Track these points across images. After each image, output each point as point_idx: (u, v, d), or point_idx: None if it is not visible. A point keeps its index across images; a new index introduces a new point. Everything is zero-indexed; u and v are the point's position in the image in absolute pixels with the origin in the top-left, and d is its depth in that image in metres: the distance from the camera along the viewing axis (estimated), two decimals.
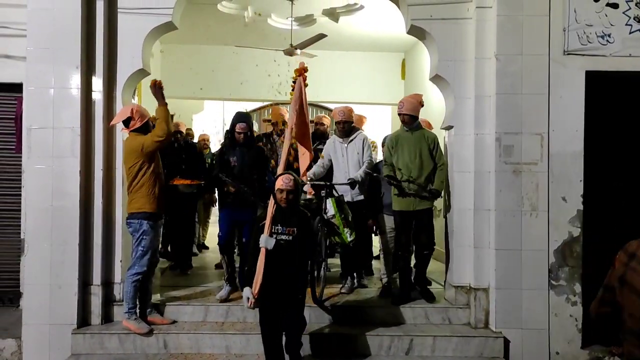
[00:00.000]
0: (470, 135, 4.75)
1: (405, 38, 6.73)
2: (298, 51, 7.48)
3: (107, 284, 4.70)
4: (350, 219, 4.82)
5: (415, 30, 4.89)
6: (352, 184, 5.00)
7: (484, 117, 4.69)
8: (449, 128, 4.98)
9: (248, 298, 3.74)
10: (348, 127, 5.22)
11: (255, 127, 9.15)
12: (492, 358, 4.45)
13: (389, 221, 5.24)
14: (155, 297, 4.90)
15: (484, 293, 4.67)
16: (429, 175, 4.84)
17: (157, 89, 4.54)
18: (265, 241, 3.77)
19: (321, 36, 7.09)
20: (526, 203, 4.57)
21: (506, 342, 4.53)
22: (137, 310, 4.51)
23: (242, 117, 5.15)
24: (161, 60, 9.10)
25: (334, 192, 5.02)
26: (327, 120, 6.20)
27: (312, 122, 6.26)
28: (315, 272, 4.78)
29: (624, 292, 2.15)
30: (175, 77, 9.16)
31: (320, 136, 5.98)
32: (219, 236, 5.11)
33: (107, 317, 4.67)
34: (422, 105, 5.02)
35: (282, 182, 3.80)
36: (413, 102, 4.92)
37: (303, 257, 3.91)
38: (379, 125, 10.36)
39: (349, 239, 4.77)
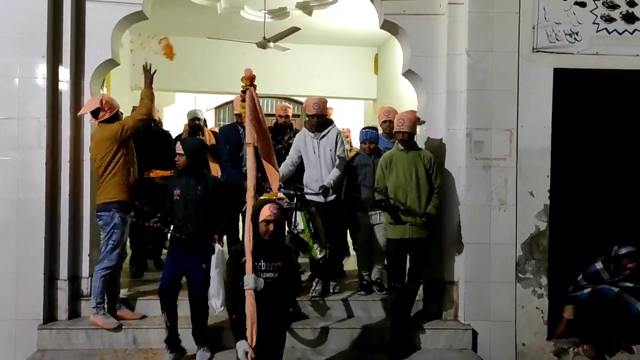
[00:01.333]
0: (442, 130, 4.80)
1: (378, 33, 6.77)
2: (271, 44, 7.44)
3: (75, 278, 4.61)
4: (320, 233, 4.48)
5: (388, 25, 4.91)
6: (324, 192, 4.59)
7: (455, 112, 4.74)
8: (421, 123, 5.01)
9: (246, 353, 3.05)
10: (322, 120, 4.80)
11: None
12: (461, 350, 4.53)
13: (364, 218, 4.93)
14: (125, 292, 4.83)
15: (453, 286, 4.74)
16: (428, 197, 4.43)
17: (148, 71, 4.45)
18: (255, 281, 3.13)
19: (294, 29, 7.07)
20: (495, 198, 4.65)
21: (474, 334, 4.61)
22: (105, 305, 4.43)
23: (180, 140, 4.32)
24: (131, 50, 8.94)
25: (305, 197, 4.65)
26: (290, 111, 5.96)
27: (274, 115, 6.04)
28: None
29: None
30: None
31: (283, 129, 5.72)
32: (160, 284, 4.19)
33: (74, 312, 4.58)
34: (419, 123, 4.73)
35: (269, 212, 3.22)
36: (412, 119, 4.55)
37: (290, 294, 3.53)
38: (352, 119, 10.40)
39: (318, 256, 4.45)
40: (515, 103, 4.66)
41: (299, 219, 4.47)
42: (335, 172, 4.72)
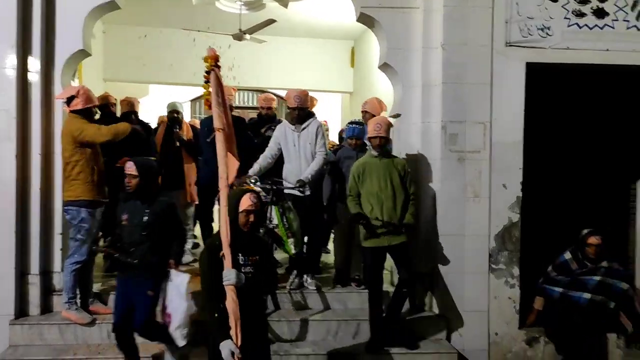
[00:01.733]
0: (418, 123, 4.84)
1: (354, 26, 6.77)
2: (247, 36, 7.39)
3: (46, 273, 4.53)
4: (295, 228, 4.44)
5: (364, 18, 4.91)
6: (301, 186, 4.53)
7: (430, 105, 4.78)
8: (397, 116, 5.05)
9: (233, 353, 2.87)
10: (303, 113, 4.73)
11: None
12: (435, 340, 4.59)
13: (345, 210, 4.72)
14: (98, 286, 4.77)
15: (428, 278, 4.80)
16: (403, 205, 4.33)
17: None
18: (236, 277, 2.94)
19: (270, 21, 7.03)
20: (469, 190, 4.71)
21: (449, 324, 4.68)
22: (78, 300, 4.37)
23: (132, 159, 3.86)
24: (104, 41, 8.77)
25: (281, 191, 4.63)
26: (274, 102, 5.92)
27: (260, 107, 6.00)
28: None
29: None
30: (118, 59, 8.88)
31: (268, 120, 5.67)
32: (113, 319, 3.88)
33: (46, 308, 4.51)
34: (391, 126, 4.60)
35: (250, 201, 3.05)
36: (388, 123, 4.45)
37: (268, 289, 3.45)
38: (329, 112, 10.40)
39: (292, 251, 4.43)
40: (489, 96, 4.72)
41: (274, 214, 4.41)
42: (314, 166, 4.66)
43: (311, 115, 4.87)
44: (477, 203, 4.72)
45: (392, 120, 5.07)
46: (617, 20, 4.83)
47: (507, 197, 4.76)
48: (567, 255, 4.72)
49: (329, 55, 9.79)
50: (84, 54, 4.67)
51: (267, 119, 5.72)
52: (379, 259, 4.37)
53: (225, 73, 9.06)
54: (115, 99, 5.75)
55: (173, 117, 5.82)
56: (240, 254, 3.06)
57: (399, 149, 4.98)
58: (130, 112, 5.69)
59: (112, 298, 4.57)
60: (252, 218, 3.07)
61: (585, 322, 4.63)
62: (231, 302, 2.93)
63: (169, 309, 3.74)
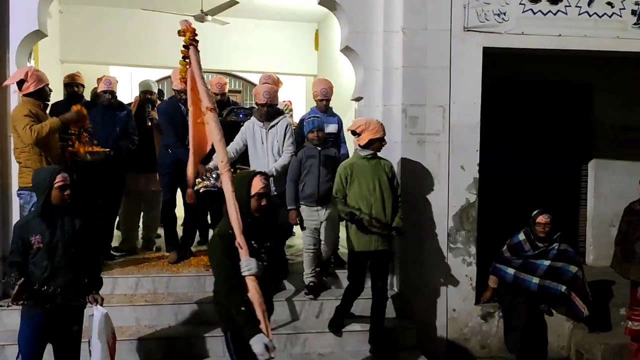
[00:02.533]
0: (379, 106, 4.92)
1: (318, 9, 6.74)
2: (209, 17, 7.31)
3: (4, 258, 4.44)
4: None
5: (326, 2, 4.95)
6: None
7: (391, 89, 4.87)
8: (358, 99, 5.12)
9: (267, 347, 2.64)
10: (272, 110, 4.64)
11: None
12: (396, 318, 4.73)
13: (309, 214, 4.58)
14: None
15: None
16: (392, 207, 4.25)
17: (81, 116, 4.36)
18: (257, 266, 2.75)
19: (233, 3, 6.97)
20: (429, 172, 4.84)
21: (409, 302, 4.83)
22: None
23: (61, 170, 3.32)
24: (60, 21, 8.52)
25: None
26: (226, 86, 5.80)
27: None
28: None
29: None
30: (76, 40, 8.64)
31: (221, 106, 5.39)
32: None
33: (5, 293, 4.45)
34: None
35: (261, 184, 2.87)
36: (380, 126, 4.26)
37: (284, 275, 3.31)
38: (293, 96, 10.39)
39: None
40: (448, 80, 4.84)
41: None
42: (281, 162, 4.59)
43: (280, 112, 4.80)
44: (437, 184, 4.86)
45: (354, 102, 5.17)
46: (569, 6, 4.99)
47: (465, 178, 4.91)
48: (521, 236, 4.87)
49: (292, 37, 9.75)
50: (39, 34, 4.56)
51: (220, 106, 5.38)
52: (364, 264, 4.28)
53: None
54: (83, 81, 5.47)
55: (147, 98, 5.63)
56: (252, 241, 2.86)
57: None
58: (75, 83, 5.39)
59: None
60: (264, 202, 2.89)
61: (534, 307, 4.80)
62: (255, 294, 2.73)
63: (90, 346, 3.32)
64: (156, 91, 5.86)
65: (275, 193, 4.58)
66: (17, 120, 4.10)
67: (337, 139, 5.14)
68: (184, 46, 3.20)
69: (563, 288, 4.71)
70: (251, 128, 4.67)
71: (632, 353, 4.68)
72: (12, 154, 4.41)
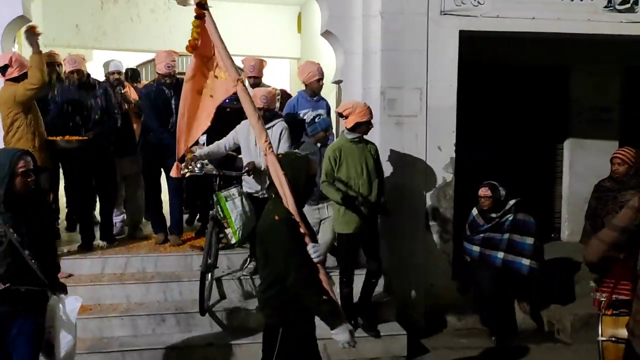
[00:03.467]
0: (359, 89, 5.06)
1: None
2: (192, 1, 7.32)
3: None
4: (232, 218, 4.21)
5: None
6: (250, 170, 4.32)
7: (370, 72, 5.01)
8: (339, 82, 5.25)
9: (352, 333, 2.65)
10: (269, 114, 4.49)
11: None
12: (378, 292, 4.90)
13: (308, 212, 4.22)
14: None
15: None
16: (378, 190, 4.34)
17: (32, 34, 4.22)
18: (324, 251, 2.94)
19: None
20: (407, 153, 5.01)
21: (390, 279, 5.00)
22: None
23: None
24: (42, 6, 8.48)
25: (235, 185, 4.42)
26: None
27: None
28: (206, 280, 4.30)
29: None
30: (58, 24, 8.62)
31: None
32: None
33: None
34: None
35: (315, 163, 2.88)
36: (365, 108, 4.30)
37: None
38: (278, 79, 10.44)
39: (231, 242, 4.29)
40: (425, 63, 4.98)
41: (220, 203, 4.23)
42: None
43: (277, 116, 4.68)
44: (414, 164, 5.03)
45: (335, 86, 5.30)
46: None
47: (442, 158, 5.09)
48: (474, 212, 4.98)
49: (275, 20, 9.76)
50: (24, 19, 4.62)
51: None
52: (357, 245, 4.37)
53: (167, 37, 8.97)
54: (62, 60, 5.29)
55: (116, 79, 5.47)
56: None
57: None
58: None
59: (63, 263, 4.62)
60: (314, 183, 2.79)
61: (496, 286, 4.85)
62: (326, 280, 2.65)
63: (54, 339, 3.00)
64: (124, 71, 5.67)
65: (265, 195, 4.40)
66: (13, 93, 4.20)
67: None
68: (198, 4, 3.08)
69: (528, 262, 4.74)
70: (247, 129, 4.44)
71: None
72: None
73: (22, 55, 4.44)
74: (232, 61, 3.07)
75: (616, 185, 4.68)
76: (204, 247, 4.43)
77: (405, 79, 4.95)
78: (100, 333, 4.25)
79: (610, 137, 6.60)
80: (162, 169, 5.15)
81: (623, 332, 2.41)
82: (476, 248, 4.91)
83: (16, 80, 4.29)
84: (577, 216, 6.52)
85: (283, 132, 4.50)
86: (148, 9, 8.79)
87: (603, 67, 6.41)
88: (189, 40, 3.19)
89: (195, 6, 3.11)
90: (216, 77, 3.27)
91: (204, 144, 4.89)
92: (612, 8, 5.15)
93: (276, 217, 2.69)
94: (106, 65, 5.70)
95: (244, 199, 4.33)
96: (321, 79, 4.96)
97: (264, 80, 5.61)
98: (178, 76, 5.03)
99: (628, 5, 5.16)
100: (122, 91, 5.44)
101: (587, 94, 6.53)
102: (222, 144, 4.55)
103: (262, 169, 4.31)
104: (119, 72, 5.56)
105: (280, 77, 10.79)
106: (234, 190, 4.34)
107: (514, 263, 4.77)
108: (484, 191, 4.81)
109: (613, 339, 3.11)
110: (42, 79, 4.24)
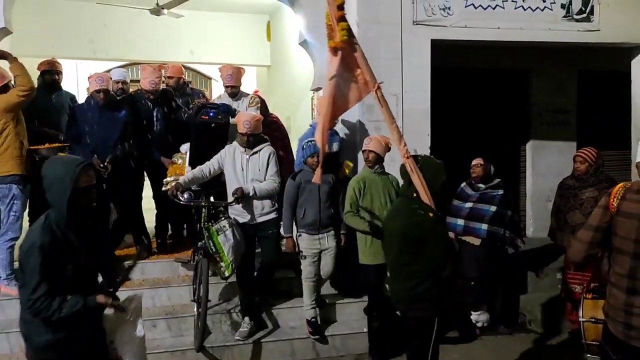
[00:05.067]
0: None
1: (268, 0, 6.99)
2: (165, 11, 7.41)
3: None
4: (224, 251, 4.04)
5: None
6: (238, 198, 4.14)
7: None
8: (317, 89, 5.44)
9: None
10: (254, 139, 4.31)
11: None
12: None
13: (310, 243, 4.42)
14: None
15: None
16: None
17: None
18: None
19: None
20: (386, 156, 5.22)
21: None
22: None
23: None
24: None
25: (224, 214, 4.24)
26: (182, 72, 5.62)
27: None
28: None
29: (618, 222, 2.47)
30: (27, 33, 8.50)
31: (180, 92, 5.38)
32: None
33: None
34: (389, 150, 4.53)
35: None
36: (381, 142, 4.46)
37: None
38: (246, 87, 10.55)
39: (224, 275, 4.14)
40: (400, 70, 5.23)
41: (212, 237, 4.04)
42: (266, 186, 4.28)
43: (263, 140, 4.45)
44: (392, 167, 5.22)
45: (309, 92, 5.46)
46: (507, 1, 5.48)
47: None
48: (463, 184, 5.23)
49: (245, 29, 9.89)
50: (5, 31, 4.64)
51: (175, 91, 5.32)
52: (382, 276, 4.34)
53: (142, 47, 8.98)
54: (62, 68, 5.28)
55: (120, 88, 5.34)
56: None
57: None
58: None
59: None
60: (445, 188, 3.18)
61: (480, 267, 4.97)
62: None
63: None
64: (129, 81, 5.58)
65: (271, 217, 4.37)
66: (7, 101, 4.22)
67: (336, 159, 4.91)
68: (339, 6, 3.22)
69: (502, 231, 4.90)
70: (232, 153, 4.34)
71: (568, 312, 5.23)
72: None
73: (2, 67, 4.41)
74: (368, 66, 3.31)
75: (577, 183, 4.97)
76: (193, 278, 4.41)
77: (383, 86, 5.11)
78: None
79: (568, 138, 7.03)
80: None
81: (601, 314, 2.68)
82: (460, 221, 5.00)
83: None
84: (540, 213, 6.91)
85: (271, 157, 4.34)
86: (120, 19, 8.75)
87: (561, 70, 6.83)
88: (336, 42, 3.24)
89: (336, 9, 3.25)
90: (350, 79, 3.43)
91: (186, 153, 4.86)
92: (570, 17, 5.55)
93: (430, 214, 3.01)
94: (115, 73, 5.51)
95: (234, 229, 4.14)
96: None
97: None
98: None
99: (584, 15, 5.57)
100: None
101: (546, 97, 6.94)
102: (206, 169, 4.30)
103: (250, 194, 4.21)
104: (124, 82, 5.44)
105: (248, 84, 10.92)
106: (224, 223, 4.13)
107: (496, 234, 4.91)
108: (475, 160, 5.06)
109: (593, 319, 3.42)
110: (30, 83, 4.28)
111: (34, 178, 4.72)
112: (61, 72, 5.30)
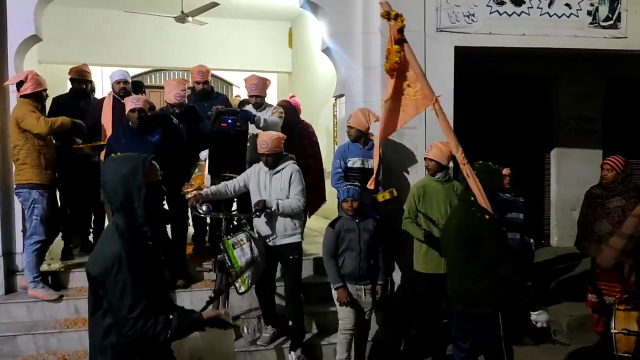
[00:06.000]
0: (360, 102, 5.25)
1: (291, 8, 7.03)
2: (190, 18, 7.51)
3: (8, 254, 4.65)
4: (240, 266, 3.89)
5: (309, 5, 5.25)
6: (259, 210, 3.98)
7: (371, 86, 5.21)
8: (340, 96, 5.45)
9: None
10: (275, 158, 4.14)
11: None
12: None
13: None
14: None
15: None
16: None
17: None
18: None
19: (213, 4, 7.18)
20: (407, 162, 5.22)
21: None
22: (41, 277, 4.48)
23: None
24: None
25: (245, 227, 4.08)
26: (209, 75, 5.38)
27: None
28: None
29: None
30: (54, 40, 8.67)
31: (204, 96, 5.23)
32: None
33: (10, 288, 4.63)
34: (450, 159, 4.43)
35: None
36: (442, 150, 4.39)
37: None
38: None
39: (240, 290, 3.99)
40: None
41: (227, 251, 3.91)
42: (290, 203, 4.10)
43: (287, 158, 4.25)
44: (415, 174, 5.23)
45: (331, 99, 5.47)
46: (532, 7, 5.44)
47: None
48: None
49: (267, 36, 9.96)
50: (36, 39, 4.74)
51: (205, 95, 5.24)
52: (432, 288, 4.31)
53: (166, 53, 9.10)
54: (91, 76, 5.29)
55: (122, 88, 5.09)
56: None
57: (343, 128, 5.38)
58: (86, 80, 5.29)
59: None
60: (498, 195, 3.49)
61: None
62: None
63: None
64: (130, 81, 5.34)
65: (295, 240, 4.18)
66: (24, 116, 4.29)
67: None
68: (398, 30, 3.56)
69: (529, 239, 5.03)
70: (257, 172, 4.22)
71: (594, 323, 5.13)
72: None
73: (39, 75, 4.49)
74: (427, 81, 3.57)
75: (604, 192, 4.88)
76: (214, 287, 4.28)
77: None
78: None
79: (594, 147, 6.92)
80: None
81: (634, 326, 2.63)
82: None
83: (30, 97, 4.37)
84: (565, 222, 6.81)
85: (293, 175, 4.15)
86: (147, 27, 8.89)
87: (586, 77, 6.75)
88: (391, 64, 3.59)
89: (396, 32, 3.62)
90: (406, 95, 3.81)
91: (205, 160, 4.72)
92: (596, 24, 5.48)
93: (486, 216, 3.21)
94: (112, 75, 5.28)
95: (253, 243, 3.96)
96: (363, 131, 4.72)
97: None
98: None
99: (611, 22, 5.49)
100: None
101: (571, 105, 6.86)
102: (231, 185, 4.20)
103: (272, 209, 4.04)
104: (125, 82, 5.17)
105: (269, 91, 10.98)
106: (242, 236, 3.97)
107: (527, 242, 5.02)
108: (508, 170, 5.01)
109: (625, 331, 3.37)
110: (45, 132, 4.35)
111: (69, 181, 4.86)
112: (91, 81, 5.38)
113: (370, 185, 3.91)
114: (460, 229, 3.26)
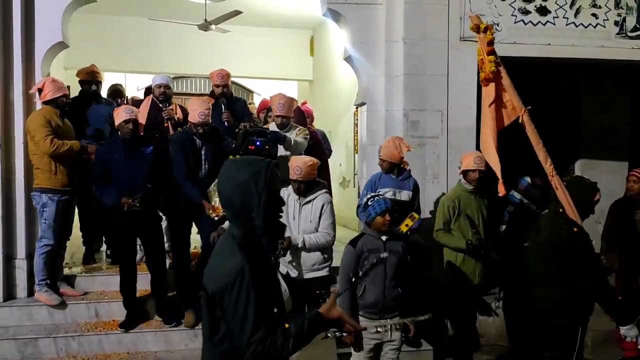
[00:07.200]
0: (381, 111, 5.24)
1: (313, 15, 7.05)
2: (213, 26, 7.58)
3: (32, 257, 4.68)
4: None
5: (331, 13, 5.26)
6: (285, 248, 3.64)
7: (393, 94, 5.20)
8: (361, 105, 5.44)
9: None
10: (306, 186, 3.78)
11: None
12: None
13: (369, 334, 3.33)
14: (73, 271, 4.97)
15: None
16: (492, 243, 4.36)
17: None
18: None
19: (236, 12, 7.24)
20: (429, 172, 5.18)
21: None
22: (48, 282, 4.51)
23: None
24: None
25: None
26: (229, 79, 5.23)
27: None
28: None
29: None
30: (80, 47, 8.82)
31: (227, 99, 5.10)
32: None
33: (32, 291, 4.67)
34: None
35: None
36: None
37: None
38: None
39: None
40: (446, 87, 5.18)
41: None
42: (317, 239, 3.76)
43: (321, 186, 3.91)
44: (436, 183, 5.20)
45: (352, 107, 5.45)
46: (557, 17, 5.37)
47: None
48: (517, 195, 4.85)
49: (289, 44, 10.02)
50: (62, 45, 4.81)
51: (223, 99, 5.06)
52: (467, 299, 4.34)
53: (189, 61, 9.19)
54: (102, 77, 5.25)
55: (162, 92, 5.02)
56: None
57: (364, 136, 5.37)
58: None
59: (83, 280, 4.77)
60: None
61: None
62: None
63: None
64: (172, 87, 5.26)
65: (324, 273, 3.83)
66: (34, 128, 4.33)
67: (407, 209, 4.24)
68: (489, 42, 3.52)
69: None
70: (285, 199, 3.54)
71: (617, 338, 5.01)
72: (18, 155, 4.64)
73: (57, 79, 4.53)
74: (515, 92, 3.63)
75: (629, 204, 4.82)
76: None
77: (427, 102, 5.14)
78: (135, 347, 4.36)
79: (619, 158, 6.78)
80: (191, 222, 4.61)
81: None
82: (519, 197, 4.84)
83: (49, 103, 4.41)
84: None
85: (325, 207, 3.80)
86: (170, 34, 8.99)
87: (612, 89, 6.63)
88: (486, 73, 3.57)
89: (486, 45, 3.56)
90: (502, 106, 3.82)
91: None
92: (624, 35, 5.39)
93: (575, 229, 3.23)
94: (154, 79, 5.19)
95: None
96: (396, 162, 4.41)
97: None
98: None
99: (639, 33, 5.39)
100: (165, 107, 5.01)
101: (596, 115, 6.72)
102: None
103: (299, 246, 3.72)
104: (167, 87, 5.07)
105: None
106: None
107: None
108: (539, 180, 4.83)
109: None
110: (47, 153, 4.32)
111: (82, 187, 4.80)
112: (101, 82, 5.28)
113: (501, 192, 3.69)
114: (550, 241, 3.28)
